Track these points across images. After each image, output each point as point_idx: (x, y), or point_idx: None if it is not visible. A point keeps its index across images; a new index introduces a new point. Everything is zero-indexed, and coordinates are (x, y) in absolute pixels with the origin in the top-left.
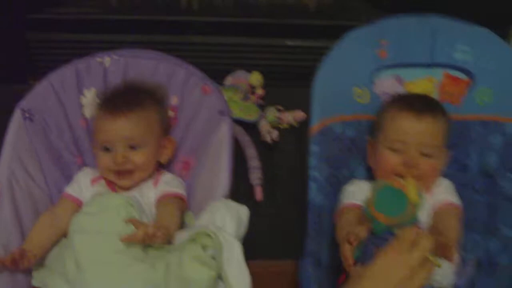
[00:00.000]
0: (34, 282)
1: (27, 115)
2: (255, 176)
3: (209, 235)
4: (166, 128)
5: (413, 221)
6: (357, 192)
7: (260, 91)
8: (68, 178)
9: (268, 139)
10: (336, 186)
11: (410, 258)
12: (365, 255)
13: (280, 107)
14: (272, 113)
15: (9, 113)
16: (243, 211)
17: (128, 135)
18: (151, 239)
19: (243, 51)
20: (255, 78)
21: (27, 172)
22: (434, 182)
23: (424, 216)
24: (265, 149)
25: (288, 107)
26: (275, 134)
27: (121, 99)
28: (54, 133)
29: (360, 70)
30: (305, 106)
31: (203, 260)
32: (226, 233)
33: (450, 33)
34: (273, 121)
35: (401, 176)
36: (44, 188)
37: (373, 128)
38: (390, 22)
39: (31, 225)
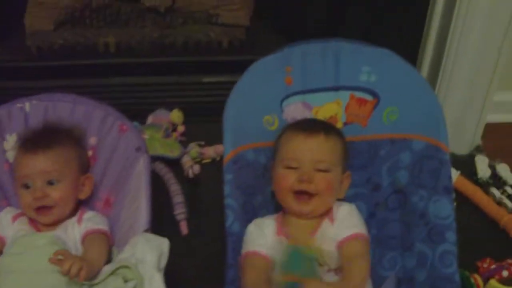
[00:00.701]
0: None
1: None
2: (180, 211)
3: (129, 268)
4: (84, 166)
5: (312, 270)
6: (258, 236)
7: (181, 128)
8: None
9: (190, 174)
10: (251, 213)
11: None
12: None
13: (202, 143)
14: (194, 148)
15: None
16: (164, 244)
17: (46, 170)
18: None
19: (162, 90)
20: (176, 115)
21: None
22: (331, 203)
23: (329, 246)
24: (189, 184)
25: (210, 142)
26: (196, 168)
27: (39, 137)
28: None
29: (268, 98)
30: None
31: None
32: (146, 265)
33: (353, 55)
34: (195, 156)
35: (299, 192)
36: None
37: (274, 153)
38: (294, 49)
39: None
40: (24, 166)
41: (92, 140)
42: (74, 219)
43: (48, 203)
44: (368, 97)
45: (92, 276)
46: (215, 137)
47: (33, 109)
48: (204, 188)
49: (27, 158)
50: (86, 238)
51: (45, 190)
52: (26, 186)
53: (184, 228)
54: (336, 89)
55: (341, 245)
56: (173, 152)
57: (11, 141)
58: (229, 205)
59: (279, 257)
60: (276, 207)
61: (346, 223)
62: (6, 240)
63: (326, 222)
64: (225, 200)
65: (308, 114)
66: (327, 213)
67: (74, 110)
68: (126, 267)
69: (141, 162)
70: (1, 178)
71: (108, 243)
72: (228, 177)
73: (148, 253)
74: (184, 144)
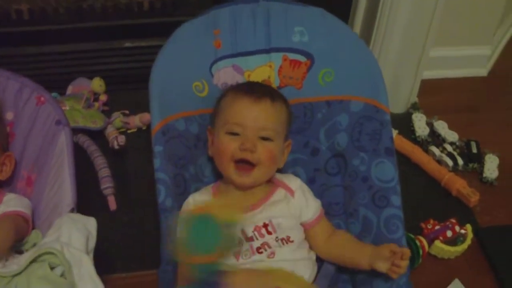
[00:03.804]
0: None
1: None
2: (107, 186)
3: (53, 254)
4: (3, 144)
5: (234, 243)
6: None
7: (103, 97)
8: None
9: (115, 145)
10: (183, 186)
11: None
12: None
13: (126, 112)
14: (118, 118)
15: None
16: (91, 223)
17: None
18: None
19: (81, 57)
20: (97, 84)
21: None
22: (271, 173)
23: (288, 221)
24: (115, 156)
25: (134, 111)
26: (121, 139)
27: None
28: None
29: (197, 63)
30: (148, 108)
31: (50, 279)
32: (73, 248)
33: (284, 15)
34: (120, 126)
35: (240, 161)
36: None
37: (212, 116)
38: (221, 10)
39: None
40: None
41: (8, 115)
42: None
43: None
44: (302, 59)
45: None
46: (140, 105)
47: None
48: (131, 160)
49: None
50: None
51: None
52: None
53: (112, 204)
54: (268, 51)
55: (310, 226)
56: (96, 123)
57: None
58: (160, 180)
59: (183, 231)
60: (210, 178)
61: (308, 202)
62: None
63: (280, 192)
64: (155, 174)
65: (239, 78)
66: (276, 183)
67: None
68: (50, 253)
69: (62, 136)
70: None
71: (18, 224)
72: (157, 149)
73: (74, 235)
74: (107, 114)
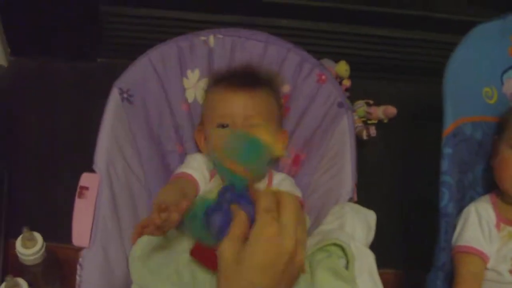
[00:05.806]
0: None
1: (125, 95)
2: None
3: (341, 246)
4: (281, 119)
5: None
6: (476, 228)
7: (347, 82)
8: (167, 168)
9: (363, 135)
10: (462, 192)
11: (283, 226)
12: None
13: (370, 101)
14: (362, 107)
15: (78, 92)
16: (371, 216)
17: (248, 112)
18: None
19: (330, 38)
20: (343, 68)
21: (126, 161)
22: None
23: None
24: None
25: (375, 101)
26: (373, 130)
27: (242, 77)
28: (154, 118)
29: (489, 68)
30: (391, 100)
31: (338, 272)
32: (357, 242)
33: None
34: (362, 115)
35: None
36: (142, 181)
37: (498, 128)
38: None
39: (130, 225)
40: (223, 105)
41: (285, 88)
42: (264, 181)
43: None
44: None
45: None
46: (381, 96)
47: (218, 44)
48: (368, 151)
49: (227, 96)
50: None
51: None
52: (223, 126)
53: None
54: None
55: None
56: None
57: (192, 78)
58: (446, 183)
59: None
60: (484, 187)
61: None
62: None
63: None
64: (441, 177)
65: None
66: None
67: (266, 51)
68: (337, 245)
69: (345, 120)
70: (179, 119)
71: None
72: (447, 151)
73: (357, 227)
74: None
